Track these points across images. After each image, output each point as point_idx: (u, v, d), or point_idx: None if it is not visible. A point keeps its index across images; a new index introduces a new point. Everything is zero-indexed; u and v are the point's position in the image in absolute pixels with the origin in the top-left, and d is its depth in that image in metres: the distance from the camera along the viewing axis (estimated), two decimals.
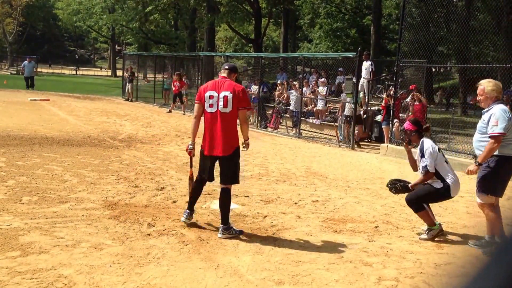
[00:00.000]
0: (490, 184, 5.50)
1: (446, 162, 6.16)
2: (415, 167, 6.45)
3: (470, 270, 0.78)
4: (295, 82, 18.16)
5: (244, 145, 6.04)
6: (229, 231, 5.70)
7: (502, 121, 5.34)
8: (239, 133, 5.89)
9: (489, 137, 5.42)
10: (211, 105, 5.67)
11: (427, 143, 6.07)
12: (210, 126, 5.70)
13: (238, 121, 5.83)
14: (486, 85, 5.61)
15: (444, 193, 6.01)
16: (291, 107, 17.36)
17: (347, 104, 14.74)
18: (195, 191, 6.03)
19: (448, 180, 6.00)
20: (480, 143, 5.68)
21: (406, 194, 6.22)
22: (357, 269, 4.88)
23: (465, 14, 16.44)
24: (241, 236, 5.69)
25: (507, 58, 11.85)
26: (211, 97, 5.67)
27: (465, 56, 15.09)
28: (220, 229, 5.73)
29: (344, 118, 14.75)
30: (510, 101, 10.96)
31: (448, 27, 18.68)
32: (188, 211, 5.97)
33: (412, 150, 6.54)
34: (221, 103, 5.63)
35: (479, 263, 0.77)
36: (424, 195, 6.04)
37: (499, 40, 17.60)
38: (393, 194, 6.69)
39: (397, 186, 6.36)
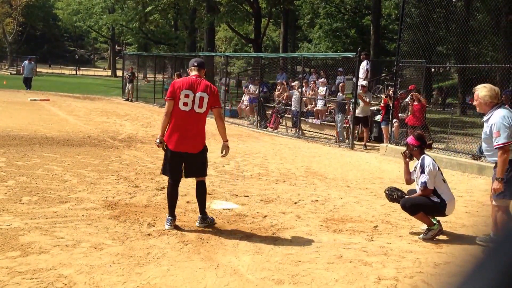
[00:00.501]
0: (506, 189, 5.48)
1: (444, 181, 6.17)
2: (408, 180, 6.50)
3: (466, 268, 0.78)
4: (294, 83, 18.13)
5: (223, 151, 6.02)
6: (206, 220, 5.97)
7: (503, 130, 5.33)
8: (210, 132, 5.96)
9: (496, 149, 5.39)
10: (185, 104, 5.70)
11: (428, 160, 6.09)
12: (181, 124, 5.72)
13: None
14: (480, 90, 5.57)
15: (440, 208, 6.02)
16: (292, 107, 17.33)
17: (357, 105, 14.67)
18: (172, 195, 5.98)
19: (445, 198, 6.02)
20: (487, 152, 5.74)
21: (401, 199, 6.22)
22: (357, 269, 4.88)
23: (464, 14, 16.45)
24: (241, 236, 5.71)
25: (506, 58, 11.85)
26: (186, 95, 5.69)
27: (464, 56, 15.09)
28: (199, 219, 5.96)
29: (353, 120, 14.67)
30: (509, 101, 10.96)
31: (447, 27, 18.71)
32: (170, 218, 5.90)
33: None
34: (197, 103, 5.70)
35: (475, 261, 0.78)
36: (421, 205, 6.04)
37: (498, 40, 17.62)
38: (388, 201, 6.68)
39: (393, 195, 6.39)
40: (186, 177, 6.01)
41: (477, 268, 0.77)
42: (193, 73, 5.88)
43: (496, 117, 5.40)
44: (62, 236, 5.31)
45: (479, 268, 0.77)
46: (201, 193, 5.98)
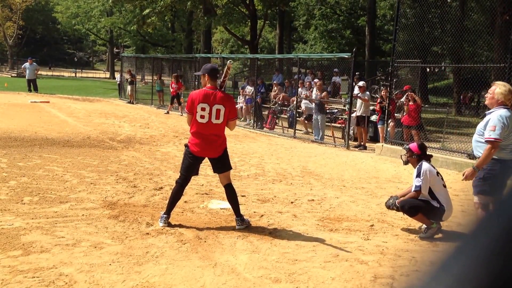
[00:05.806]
0: (486, 186, 5.56)
1: (444, 186, 6.23)
2: None
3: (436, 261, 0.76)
4: (316, 80, 17.20)
5: None
6: (244, 222, 6.07)
7: (499, 127, 5.42)
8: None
9: (486, 141, 5.49)
10: (202, 116, 5.87)
11: (425, 165, 6.16)
12: (201, 133, 5.92)
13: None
14: (498, 86, 5.69)
15: (438, 213, 6.08)
16: (303, 106, 16.76)
17: (358, 104, 14.72)
18: (176, 195, 6.07)
19: (444, 204, 6.09)
20: (477, 143, 5.76)
21: (400, 201, 6.27)
22: (353, 267, 4.93)
23: (459, 14, 16.54)
24: (238, 235, 5.78)
25: (501, 57, 11.92)
26: (203, 109, 5.86)
27: (459, 56, 15.17)
28: (237, 222, 6.04)
29: (356, 120, 14.72)
30: None
31: (442, 28, 18.77)
32: (165, 216, 5.99)
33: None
34: (213, 116, 5.87)
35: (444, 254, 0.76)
36: (420, 207, 6.09)
37: (493, 40, 17.70)
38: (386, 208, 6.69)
39: (390, 201, 6.45)
40: (214, 172, 6.28)
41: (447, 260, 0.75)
42: (208, 84, 6.00)
43: (497, 115, 5.52)
44: (62, 235, 5.38)
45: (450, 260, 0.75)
46: (231, 196, 6.12)
